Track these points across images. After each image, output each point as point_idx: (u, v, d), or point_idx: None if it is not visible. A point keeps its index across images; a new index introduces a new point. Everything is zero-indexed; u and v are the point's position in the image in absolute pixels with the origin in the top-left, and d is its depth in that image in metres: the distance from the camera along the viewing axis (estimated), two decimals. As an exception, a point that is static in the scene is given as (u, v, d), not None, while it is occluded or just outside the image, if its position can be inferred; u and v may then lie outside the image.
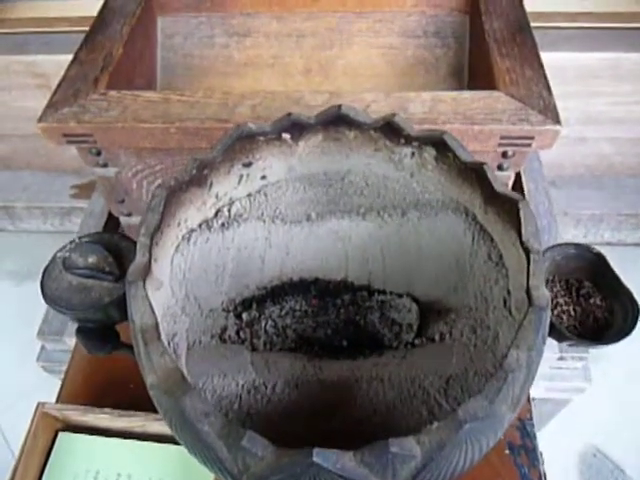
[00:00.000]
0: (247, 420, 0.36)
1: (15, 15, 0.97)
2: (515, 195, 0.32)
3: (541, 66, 0.52)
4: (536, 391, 0.68)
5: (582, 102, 0.96)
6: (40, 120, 0.50)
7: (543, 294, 0.28)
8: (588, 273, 0.44)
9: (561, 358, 0.62)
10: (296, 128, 0.37)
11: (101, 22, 0.61)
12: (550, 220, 0.70)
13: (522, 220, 0.30)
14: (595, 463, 0.99)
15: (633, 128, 1.02)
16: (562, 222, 1.07)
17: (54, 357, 0.71)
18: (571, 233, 1.11)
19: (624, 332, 0.39)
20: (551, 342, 0.59)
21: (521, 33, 0.57)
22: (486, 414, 0.25)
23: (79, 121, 0.49)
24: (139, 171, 0.56)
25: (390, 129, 0.36)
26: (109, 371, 0.51)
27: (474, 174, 0.35)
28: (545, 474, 0.45)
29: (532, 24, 0.58)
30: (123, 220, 0.65)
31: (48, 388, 0.55)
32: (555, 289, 0.45)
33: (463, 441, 0.25)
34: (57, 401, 0.51)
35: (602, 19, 0.92)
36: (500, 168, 0.52)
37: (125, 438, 0.45)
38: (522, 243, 0.30)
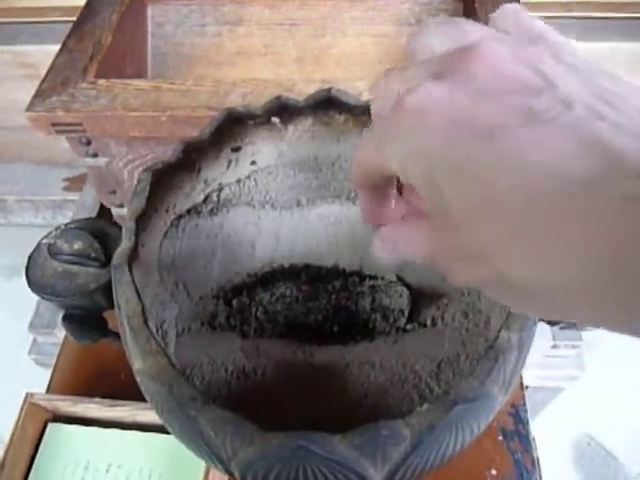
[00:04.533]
0: (236, 406, 0.35)
1: (4, 5, 0.96)
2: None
3: (534, 52, 0.52)
4: (530, 379, 0.68)
5: (576, 91, 0.96)
6: (28, 109, 0.49)
7: (534, 275, 0.27)
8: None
9: (555, 346, 0.62)
10: (285, 111, 0.36)
11: (90, 10, 0.60)
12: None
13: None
14: (588, 451, 0.99)
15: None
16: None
17: (46, 350, 0.71)
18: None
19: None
20: (545, 330, 0.60)
21: (514, 20, 0.56)
22: (477, 395, 0.24)
23: (68, 110, 0.49)
24: (130, 161, 0.55)
25: (380, 112, 0.36)
26: (99, 361, 0.51)
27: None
28: (538, 459, 0.45)
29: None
30: (115, 211, 0.64)
31: (41, 381, 0.55)
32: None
33: (453, 423, 0.25)
34: (47, 392, 0.51)
35: (598, 9, 0.92)
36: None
37: (115, 428, 0.45)
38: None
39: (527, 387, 0.71)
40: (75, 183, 1.11)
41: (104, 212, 0.70)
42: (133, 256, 0.30)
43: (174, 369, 0.25)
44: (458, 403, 0.24)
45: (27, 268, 0.37)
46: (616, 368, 1.06)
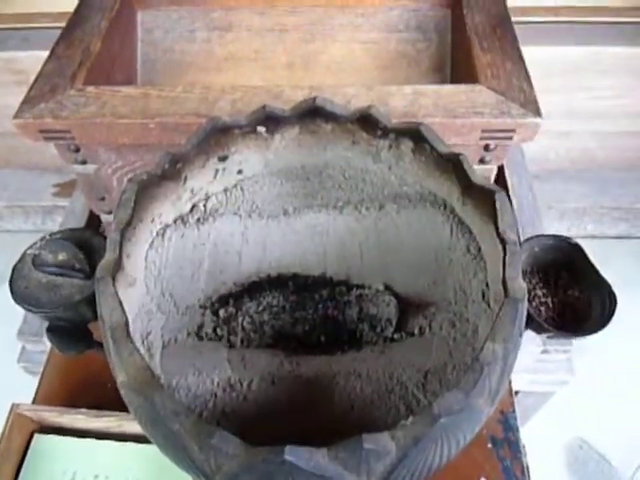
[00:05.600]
0: (222, 418, 0.35)
1: (-7, 11, 0.95)
2: (492, 186, 0.31)
3: (521, 59, 0.52)
4: (520, 384, 0.68)
5: (565, 96, 0.97)
6: (16, 116, 0.49)
7: (519, 285, 0.27)
8: (566, 264, 0.44)
9: (545, 351, 0.62)
10: (271, 121, 0.36)
11: (79, 17, 0.60)
12: (534, 213, 0.70)
13: (498, 211, 0.30)
14: (581, 455, 0.99)
15: (616, 122, 1.02)
16: (546, 216, 1.07)
17: (35, 358, 0.70)
18: (555, 226, 1.11)
19: (602, 323, 0.39)
20: (534, 336, 0.60)
21: (502, 27, 0.57)
22: (462, 408, 0.24)
23: (56, 117, 0.48)
24: (119, 168, 0.55)
25: (367, 121, 0.36)
26: (86, 371, 0.51)
27: (451, 166, 0.34)
28: (528, 466, 0.45)
29: (515, 18, 0.58)
30: (104, 218, 0.64)
31: (30, 389, 0.54)
32: (533, 281, 0.44)
33: (439, 436, 0.25)
34: (33, 402, 0.50)
35: (584, 13, 0.93)
36: (482, 161, 0.52)
37: (102, 439, 0.44)
38: (498, 234, 0.29)
39: (517, 392, 0.71)
40: (65, 189, 1.10)
41: (93, 219, 0.70)
42: (117, 267, 0.30)
43: (157, 382, 0.25)
44: (443, 416, 0.24)
45: (11, 279, 0.36)
46: (606, 372, 1.06)
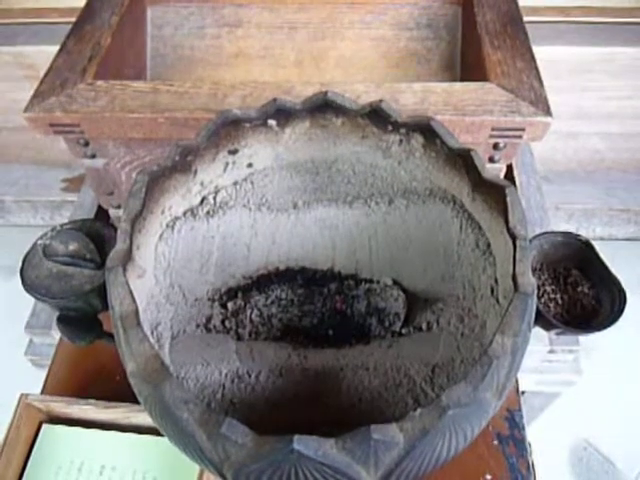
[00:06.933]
0: (230, 409, 0.35)
1: (4, 6, 0.96)
2: (502, 181, 0.31)
3: (532, 58, 0.52)
4: (526, 384, 0.68)
5: (575, 97, 0.96)
6: (26, 110, 0.49)
7: (529, 280, 0.27)
8: (576, 261, 0.44)
9: (551, 351, 0.62)
10: (282, 114, 0.36)
11: (89, 12, 0.61)
12: (542, 214, 0.70)
13: (509, 206, 0.30)
14: (586, 456, 0.99)
15: (625, 123, 1.02)
16: (554, 217, 1.07)
17: (42, 351, 0.70)
18: (563, 228, 1.10)
19: (611, 320, 0.39)
20: (541, 335, 0.59)
21: (512, 25, 0.57)
22: (470, 400, 0.24)
23: (66, 111, 0.49)
24: (128, 162, 0.55)
25: (377, 116, 0.36)
26: (94, 362, 0.51)
27: (461, 161, 0.34)
28: (533, 464, 0.45)
29: (525, 18, 0.58)
30: (112, 212, 0.64)
31: (37, 382, 0.55)
32: (542, 277, 0.44)
33: (447, 428, 0.25)
34: (42, 393, 0.51)
35: (595, 14, 0.92)
36: (491, 160, 0.52)
37: (110, 430, 0.44)
38: (508, 230, 0.29)
39: (524, 392, 0.71)
40: (74, 184, 1.11)
41: (102, 213, 0.70)
42: (128, 258, 0.30)
43: (167, 371, 0.25)
44: (451, 408, 0.24)
45: (22, 269, 0.37)
46: (613, 373, 1.06)
